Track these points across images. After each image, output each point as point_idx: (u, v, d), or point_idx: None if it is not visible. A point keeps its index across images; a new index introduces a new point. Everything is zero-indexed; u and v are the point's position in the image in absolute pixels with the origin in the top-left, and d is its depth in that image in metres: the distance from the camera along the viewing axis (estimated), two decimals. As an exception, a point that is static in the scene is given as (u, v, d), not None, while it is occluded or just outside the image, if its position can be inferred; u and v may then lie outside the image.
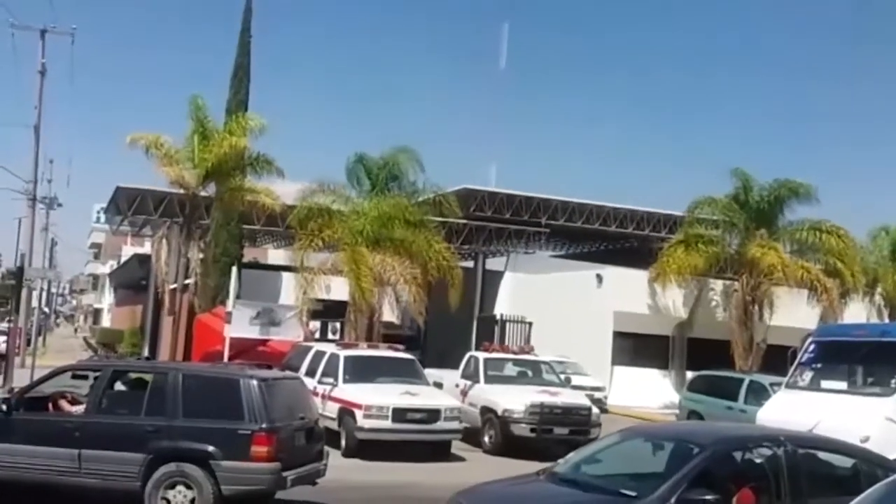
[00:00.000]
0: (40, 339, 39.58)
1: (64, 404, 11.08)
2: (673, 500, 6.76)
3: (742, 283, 29.44)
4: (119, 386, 11.11)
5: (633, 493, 6.95)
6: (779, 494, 7.18)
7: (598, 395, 23.94)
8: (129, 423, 10.09)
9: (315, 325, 32.37)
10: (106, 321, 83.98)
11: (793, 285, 28.59)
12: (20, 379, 23.46)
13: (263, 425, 9.56)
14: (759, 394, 18.95)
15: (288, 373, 12.73)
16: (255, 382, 9.86)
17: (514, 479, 8.23)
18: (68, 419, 10.52)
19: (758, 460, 7.55)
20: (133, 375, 11.40)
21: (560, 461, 8.11)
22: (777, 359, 23.79)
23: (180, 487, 9.64)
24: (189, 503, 9.62)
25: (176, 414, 9.87)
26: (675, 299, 32.43)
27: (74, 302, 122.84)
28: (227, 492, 9.48)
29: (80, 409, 10.76)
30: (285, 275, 34.80)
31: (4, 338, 36.79)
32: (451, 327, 31.53)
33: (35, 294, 29.77)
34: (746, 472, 7.43)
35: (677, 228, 32.28)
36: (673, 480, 6.95)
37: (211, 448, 9.49)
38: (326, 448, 11.38)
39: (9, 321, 37.87)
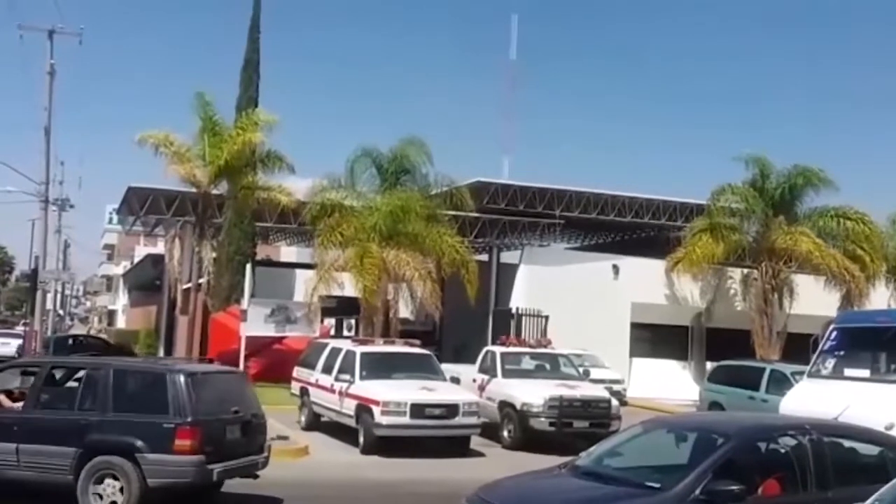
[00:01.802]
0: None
1: (3, 400, 11.44)
2: (698, 491, 6.62)
3: (762, 272, 29.15)
4: (57, 381, 11.48)
5: (657, 485, 6.82)
6: (805, 484, 7.06)
7: (616, 387, 23.67)
8: (63, 417, 10.41)
9: (330, 322, 32.34)
10: (121, 322, 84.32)
11: (821, 273, 28.34)
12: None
13: (188, 419, 9.83)
14: (780, 383, 18.70)
15: (225, 367, 13.04)
16: (181, 377, 10.09)
17: (535, 473, 8.08)
18: (7, 415, 10.94)
19: (783, 450, 7.42)
20: (70, 371, 11.73)
21: (582, 454, 7.95)
22: (798, 347, 23.55)
23: (109, 480, 9.90)
24: (118, 495, 9.84)
25: (107, 408, 10.18)
26: (693, 289, 32.16)
27: (88, 303, 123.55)
28: (152, 484, 9.77)
29: (20, 405, 11.17)
30: (298, 272, 34.78)
31: (20, 341, 37.01)
32: (466, 322, 31.36)
33: (49, 297, 29.83)
34: (772, 462, 7.32)
35: (694, 217, 31.98)
36: (697, 471, 6.81)
37: (138, 442, 9.78)
38: (269, 442, 11.58)
39: (24, 324, 38.08)
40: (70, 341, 37.03)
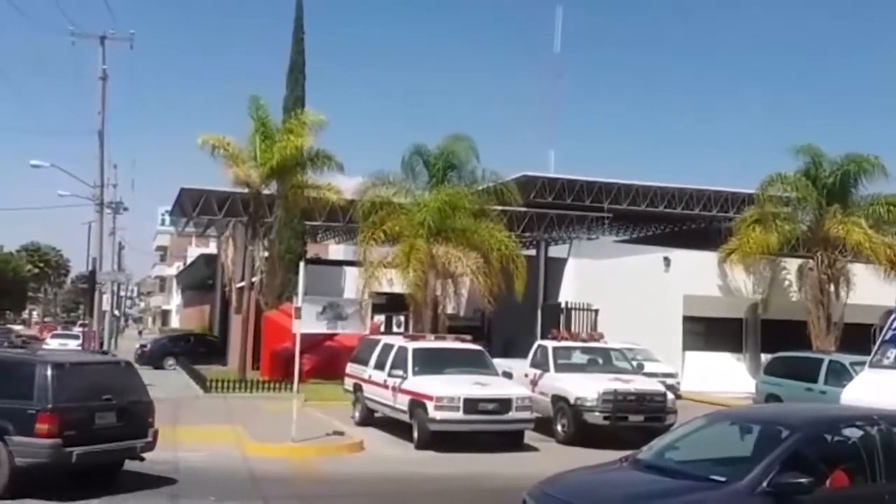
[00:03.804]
0: (112, 341, 40.49)
1: None
2: (765, 483, 6.53)
3: (818, 261, 28.62)
4: None
5: (722, 479, 6.71)
6: (874, 475, 6.94)
7: (670, 381, 23.35)
8: None
9: (380, 318, 32.50)
10: (175, 322, 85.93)
11: (878, 262, 27.73)
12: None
13: (48, 406, 10.68)
14: (839, 374, 18.37)
15: (105, 358, 14.05)
16: (46, 368, 10.96)
17: (596, 466, 8.03)
18: None
19: (850, 441, 7.31)
20: None
21: (644, 448, 7.87)
22: (855, 338, 23.12)
23: None
24: None
25: None
26: (746, 281, 31.68)
27: (142, 304, 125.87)
28: (19, 463, 10.64)
29: None
30: (348, 269, 35.00)
31: (78, 341, 37.92)
32: (515, 317, 31.29)
33: (105, 298, 30.44)
34: (839, 454, 7.20)
35: (745, 207, 31.49)
36: (764, 464, 6.70)
37: (9, 425, 10.69)
38: (156, 427, 12.08)
39: (82, 325, 38.98)
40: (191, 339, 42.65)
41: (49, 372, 10.89)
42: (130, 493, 11.45)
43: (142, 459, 11.91)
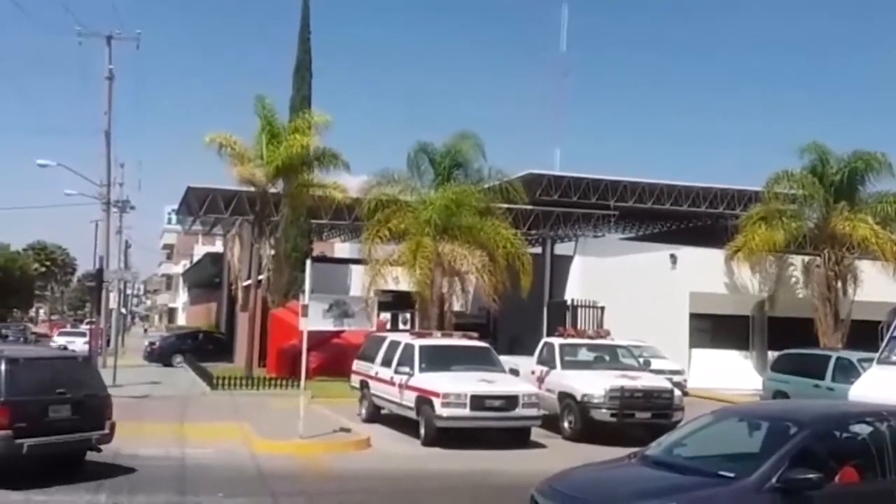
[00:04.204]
0: (119, 338, 40.63)
1: None
2: (774, 479, 6.51)
3: (825, 258, 28.56)
4: None
5: (731, 475, 6.70)
6: (883, 471, 6.93)
7: (677, 378, 23.32)
8: None
9: (385, 316, 32.54)
10: (181, 320, 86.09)
11: (885, 259, 27.65)
12: (104, 379, 24.12)
13: (0, 399, 11.05)
14: (847, 371, 18.33)
15: (63, 353, 14.97)
16: (0, 362, 11.30)
17: (604, 463, 8.02)
18: None
19: (860, 437, 7.28)
20: None
21: (652, 444, 7.87)
22: (862, 335, 23.07)
23: None
24: None
25: None
26: (752, 278, 31.61)
27: (149, 302, 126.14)
28: None
29: None
30: (354, 267, 35.03)
31: (85, 339, 38.02)
32: (521, 314, 31.27)
33: (112, 296, 30.54)
34: (848, 450, 7.18)
35: (751, 205, 31.42)
36: (773, 460, 6.69)
37: None
38: (113, 420, 12.36)
39: (88, 322, 39.11)
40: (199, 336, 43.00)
41: (2, 367, 11.25)
42: (138, 488, 11.51)
43: (99, 450, 12.23)
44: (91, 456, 12.26)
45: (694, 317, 31.32)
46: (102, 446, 12.16)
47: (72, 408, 11.79)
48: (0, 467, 11.02)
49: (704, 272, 30.78)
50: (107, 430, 12.22)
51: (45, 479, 11.42)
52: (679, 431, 8.45)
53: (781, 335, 27.94)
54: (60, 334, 46.79)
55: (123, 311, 53.31)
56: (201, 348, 37.84)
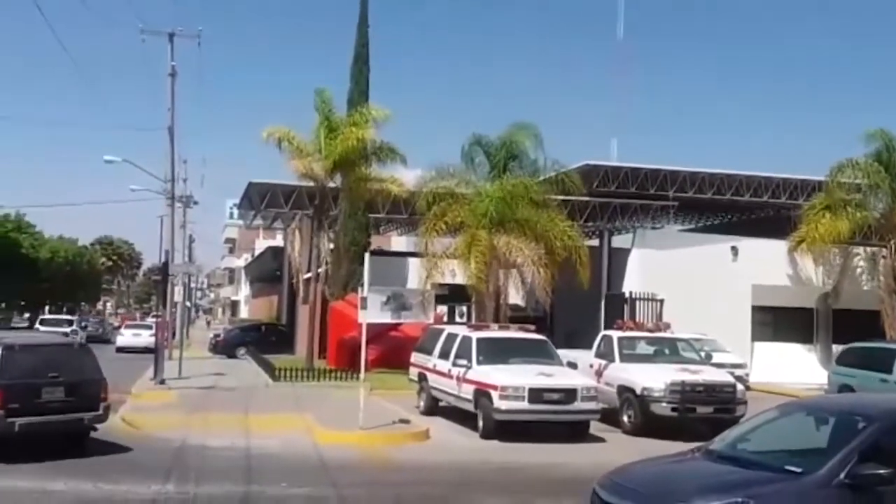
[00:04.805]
0: (184, 331, 41.53)
1: None
2: (842, 475, 6.41)
3: (891, 249, 27.81)
4: None
5: (798, 470, 6.61)
6: None
7: (739, 372, 22.93)
8: None
9: (442, 308, 32.64)
10: (244, 312, 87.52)
11: None
12: (170, 371, 24.76)
13: None
14: (915, 365, 17.81)
15: (60, 339, 15.85)
16: None
17: (668, 457, 7.97)
18: None
19: (931, 431, 7.05)
20: None
21: (716, 439, 7.79)
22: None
23: None
24: None
25: None
26: (816, 270, 30.92)
27: (212, 295, 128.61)
28: None
29: None
30: (411, 261, 35.21)
31: (151, 332, 38.95)
32: (578, 307, 31.09)
33: (177, 289, 31.20)
34: (919, 445, 6.96)
35: (814, 195, 30.69)
36: (841, 455, 6.58)
37: None
38: (108, 402, 13.43)
39: (154, 316, 40.05)
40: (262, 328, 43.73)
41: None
42: (204, 478, 11.79)
43: (95, 430, 13.31)
44: (159, 445, 12.64)
45: (756, 310, 30.75)
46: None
47: (65, 390, 12.73)
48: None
49: (767, 264, 30.18)
50: (100, 412, 13.14)
51: (115, 470, 11.77)
52: (743, 426, 8.35)
53: (846, 328, 27.29)
54: (128, 327, 48.04)
55: (188, 304, 54.39)
56: (264, 340, 38.43)
